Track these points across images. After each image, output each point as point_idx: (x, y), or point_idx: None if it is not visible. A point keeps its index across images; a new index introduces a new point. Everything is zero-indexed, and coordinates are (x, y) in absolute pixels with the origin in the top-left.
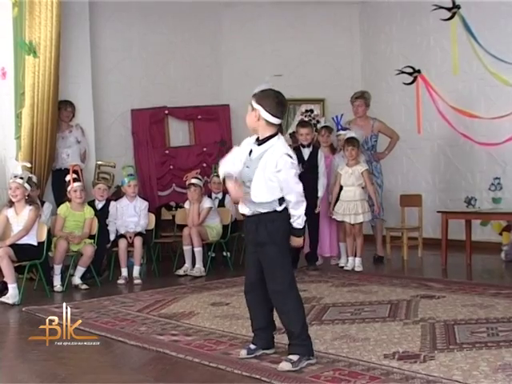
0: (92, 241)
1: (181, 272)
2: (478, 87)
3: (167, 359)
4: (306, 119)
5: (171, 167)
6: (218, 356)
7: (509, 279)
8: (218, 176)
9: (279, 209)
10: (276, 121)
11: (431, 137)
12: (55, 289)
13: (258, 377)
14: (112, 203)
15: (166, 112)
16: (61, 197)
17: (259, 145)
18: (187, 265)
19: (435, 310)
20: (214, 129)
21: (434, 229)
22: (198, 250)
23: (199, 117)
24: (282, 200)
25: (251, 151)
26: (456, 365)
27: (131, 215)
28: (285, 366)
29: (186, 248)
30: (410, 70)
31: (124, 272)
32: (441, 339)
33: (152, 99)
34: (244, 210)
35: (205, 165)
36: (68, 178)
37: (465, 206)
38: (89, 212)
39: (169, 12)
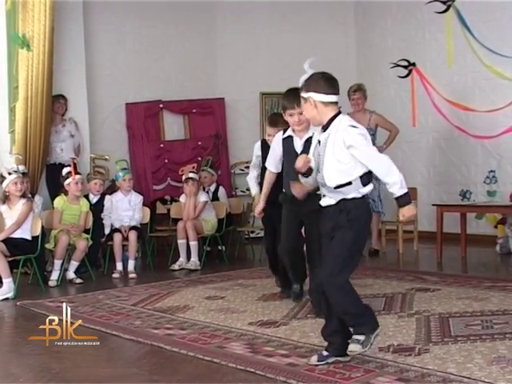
0: (88, 236)
1: (175, 267)
2: (473, 80)
3: (162, 353)
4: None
5: (166, 161)
6: (212, 349)
7: (504, 272)
8: (206, 171)
9: (364, 190)
10: (332, 98)
11: (426, 130)
12: (50, 283)
13: (252, 370)
14: (107, 197)
15: (161, 106)
16: (55, 191)
17: (324, 130)
18: (182, 259)
19: (430, 303)
20: (209, 122)
21: (429, 222)
22: (194, 243)
23: (194, 110)
24: (364, 178)
25: (319, 141)
26: (450, 357)
27: (126, 209)
28: (354, 347)
29: (181, 242)
30: (405, 63)
31: (119, 266)
32: (435, 332)
33: (146, 93)
34: (327, 201)
35: (200, 158)
36: (68, 169)
37: (460, 199)
38: (85, 205)
39: (163, 5)
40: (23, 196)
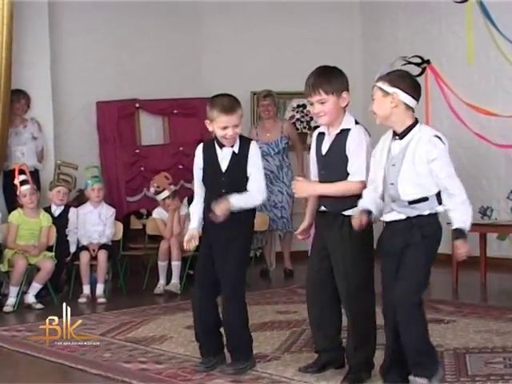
0: (52, 254)
1: (160, 290)
2: (496, 80)
3: None
4: (298, 116)
5: (142, 169)
6: None
7: None
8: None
9: (440, 209)
10: (415, 103)
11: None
12: (4, 309)
13: None
14: (72, 209)
15: (137, 105)
16: (13, 202)
17: (401, 138)
18: (162, 281)
19: (444, 337)
20: (193, 125)
21: (444, 243)
22: (177, 263)
23: (175, 111)
24: (440, 196)
25: (389, 149)
26: None
27: (95, 223)
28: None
29: (162, 264)
30: (418, 60)
31: (86, 289)
32: (450, 370)
33: (121, 90)
34: (394, 216)
35: (181, 166)
36: (22, 178)
37: (479, 216)
38: (46, 219)
39: None
40: None
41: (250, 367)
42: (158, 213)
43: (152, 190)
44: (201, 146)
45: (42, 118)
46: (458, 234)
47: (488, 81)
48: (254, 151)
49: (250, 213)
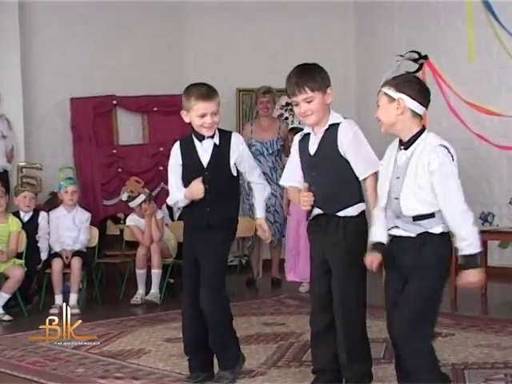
0: (22, 261)
1: (138, 300)
2: (499, 78)
3: None
4: (287, 114)
5: (119, 170)
6: None
7: None
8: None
9: None
10: (423, 110)
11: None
12: None
13: None
14: (42, 214)
15: (114, 102)
16: None
17: (406, 148)
18: (141, 291)
19: (441, 351)
20: (174, 124)
21: None
22: (157, 271)
23: (155, 109)
24: None
25: (396, 160)
26: None
27: (69, 229)
28: None
29: (141, 272)
30: (416, 56)
31: (58, 300)
32: None
33: (97, 86)
34: (401, 233)
35: (161, 168)
36: None
37: (480, 223)
38: (15, 224)
39: None
40: None
41: (232, 381)
42: (133, 220)
43: (125, 196)
44: (177, 143)
45: (11, 115)
46: (463, 261)
47: (490, 78)
48: (236, 141)
49: (236, 206)
